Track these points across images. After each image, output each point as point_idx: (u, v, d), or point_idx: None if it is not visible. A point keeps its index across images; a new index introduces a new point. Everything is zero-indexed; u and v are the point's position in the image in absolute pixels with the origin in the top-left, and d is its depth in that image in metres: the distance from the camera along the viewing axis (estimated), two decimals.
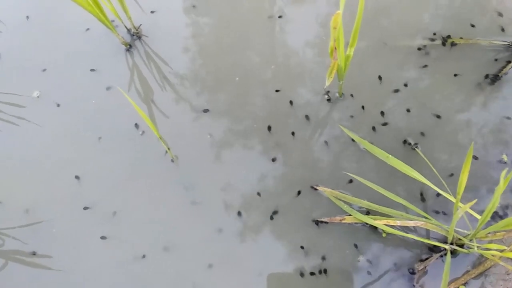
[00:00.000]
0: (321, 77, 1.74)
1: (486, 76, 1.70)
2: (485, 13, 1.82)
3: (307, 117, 1.69)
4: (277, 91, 1.73)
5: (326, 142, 1.65)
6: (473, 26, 1.78)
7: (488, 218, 1.17)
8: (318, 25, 1.84)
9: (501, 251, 1.24)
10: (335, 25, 1.09)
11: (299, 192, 1.59)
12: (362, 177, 1.52)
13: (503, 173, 1.02)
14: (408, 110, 1.67)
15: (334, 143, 1.65)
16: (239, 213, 1.56)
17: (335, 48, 1.28)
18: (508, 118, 1.64)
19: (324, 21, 1.84)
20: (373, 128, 1.66)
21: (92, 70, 1.79)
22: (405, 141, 1.63)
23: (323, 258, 1.51)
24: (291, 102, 1.71)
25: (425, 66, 1.74)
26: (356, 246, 1.52)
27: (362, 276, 1.50)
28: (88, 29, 1.84)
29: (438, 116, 1.66)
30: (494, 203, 1.09)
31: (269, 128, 1.68)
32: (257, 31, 1.84)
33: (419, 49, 1.76)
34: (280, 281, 1.50)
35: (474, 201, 1.13)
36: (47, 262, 1.55)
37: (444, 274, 1.24)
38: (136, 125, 1.69)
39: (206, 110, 1.71)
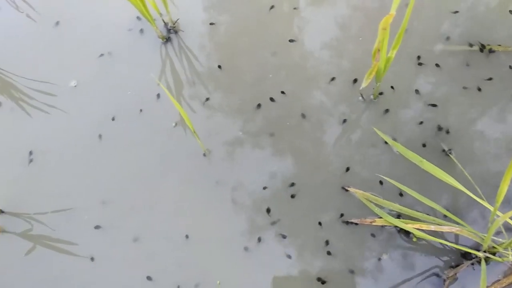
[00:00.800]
0: (344, 79, 1.74)
1: None
2: None
3: (343, 119, 1.69)
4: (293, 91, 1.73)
5: (357, 143, 1.65)
6: None
7: None
8: (337, 27, 1.83)
9: None
10: (385, 26, 1.09)
11: (343, 190, 1.59)
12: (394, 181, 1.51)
13: None
14: (443, 115, 1.66)
15: (366, 145, 1.65)
16: (268, 210, 1.57)
17: (379, 50, 1.27)
18: None
19: (342, 22, 1.83)
20: (407, 132, 1.65)
21: (128, 62, 1.82)
22: (443, 150, 1.62)
23: (350, 259, 1.51)
24: (321, 103, 1.71)
25: (460, 72, 1.72)
26: (384, 249, 1.52)
27: (391, 281, 1.49)
28: (130, 29, 1.86)
29: (473, 125, 1.64)
30: None
31: (298, 128, 1.68)
32: (275, 30, 1.85)
33: (454, 54, 1.75)
34: (302, 281, 1.50)
35: (510, 212, 1.12)
36: (74, 249, 1.58)
37: (481, 281, 1.24)
38: (175, 123, 1.71)
39: (243, 108, 1.72)
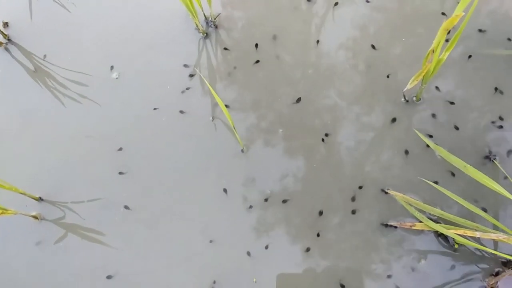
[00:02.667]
0: (376, 79, 1.72)
1: None
2: None
3: (384, 119, 1.66)
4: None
5: (399, 146, 1.63)
6: None
7: None
8: (354, 28, 1.80)
9: None
10: (448, 27, 1.06)
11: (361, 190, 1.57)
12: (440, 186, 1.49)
13: None
14: (492, 122, 1.63)
15: (408, 148, 1.63)
16: (322, 207, 1.56)
17: (433, 51, 1.25)
18: None
19: (360, 23, 1.81)
20: (452, 136, 1.62)
21: (168, 55, 1.82)
22: (486, 156, 1.59)
23: (388, 263, 1.49)
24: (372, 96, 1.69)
25: (501, 77, 1.69)
26: (422, 254, 1.49)
27: (428, 284, 1.47)
28: (172, 23, 1.85)
29: None
30: None
31: (339, 127, 1.67)
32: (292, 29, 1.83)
33: (501, 57, 1.72)
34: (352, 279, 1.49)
35: None
36: (103, 239, 1.59)
37: None
38: (212, 117, 1.71)
39: (280, 106, 1.71)
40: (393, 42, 1.77)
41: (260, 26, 1.85)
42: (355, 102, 1.70)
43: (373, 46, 1.77)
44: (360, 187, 1.58)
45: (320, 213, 1.56)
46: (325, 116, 1.69)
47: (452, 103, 1.66)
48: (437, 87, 1.68)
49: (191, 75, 1.77)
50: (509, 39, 1.74)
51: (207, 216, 1.58)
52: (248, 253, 1.53)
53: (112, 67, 1.80)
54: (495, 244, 1.51)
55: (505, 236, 1.34)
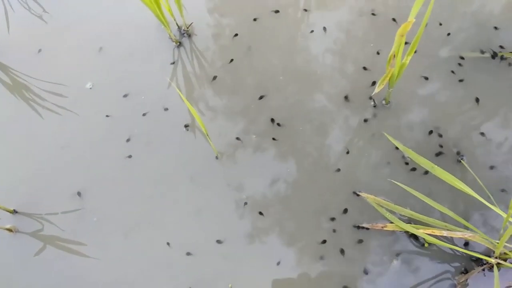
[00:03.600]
0: (343, 83, 1.75)
1: None
2: None
3: (352, 122, 1.70)
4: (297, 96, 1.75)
5: (369, 149, 1.66)
6: None
7: None
8: (341, 32, 1.84)
9: None
10: (403, 32, 1.10)
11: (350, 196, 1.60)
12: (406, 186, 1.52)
13: None
14: (453, 122, 1.67)
15: (378, 150, 1.66)
16: (297, 210, 1.58)
17: (394, 56, 1.29)
18: None
19: (345, 28, 1.85)
20: (418, 138, 1.66)
21: (142, 65, 1.84)
22: (458, 154, 1.63)
23: (361, 265, 1.52)
24: (345, 99, 1.72)
25: (471, 78, 1.73)
26: (395, 254, 1.52)
27: (401, 285, 1.50)
28: (145, 32, 1.88)
29: (483, 132, 1.65)
30: None
31: (311, 131, 1.69)
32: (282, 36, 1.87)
33: (468, 60, 1.76)
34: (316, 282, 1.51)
35: None
36: (83, 249, 1.59)
37: (495, 286, 1.24)
38: (186, 126, 1.73)
39: (255, 111, 1.73)
40: (363, 47, 1.82)
41: (234, 32, 1.88)
42: (325, 107, 1.73)
43: (344, 51, 1.81)
44: (334, 190, 1.61)
45: (295, 218, 1.59)
46: (297, 122, 1.71)
47: (419, 106, 1.70)
48: (404, 91, 1.72)
49: (165, 84, 1.79)
50: (493, 48, 1.79)
51: (183, 225, 1.59)
52: (225, 259, 1.54)
53: (86, 78, 1.82)
54: (466, 243, 1.54)
55: (471, 234, 1.37)
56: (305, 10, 1.90)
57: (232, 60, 1.83)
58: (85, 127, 1.74)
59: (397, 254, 1.52)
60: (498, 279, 1.28)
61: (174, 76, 1.81)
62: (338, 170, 1.63)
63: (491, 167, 1.60)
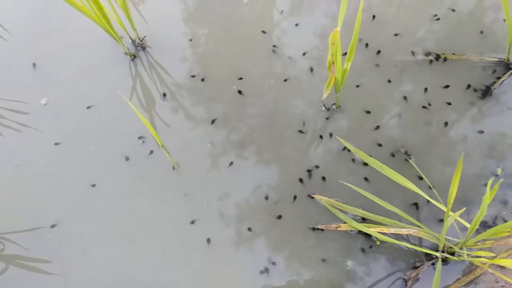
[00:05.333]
0: (318, 89, 1.80)
1: (478, 91, 1.77)
2: (476, 31, 1.89)
3: (304, 127, 1.75)
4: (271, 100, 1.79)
5: (322, 151, 1.71)
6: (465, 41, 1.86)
7: (477, 227, 1.23)
8: (316, 37, 1.90)
9: (490, 258, 1.29)
10: (333, 41, 1.15)
11: (295, 198, 1.64)
12: (358, 187, 1.57)
13: (489, 183, 1.08)
14: (402, 123, 1.74)
15: (331, 153, 1.71)
16: (245, 211, 1.61)
17: (333, 63, 1.34)
18: (501, 131, 1.70)
19: (321, 33, 1.91)
20: (369, 139, 1.72)
21: (97, 79, 1.85)
22: (406, 153, 1.69)
23: (317, 264, 1.55)
24: (288, 113, 1.77)
25: (416, 79, 1.80)
26: (350, 254, 1.56)
27: (355, 283, 1.54)
28: (99, 47, 1.90)
29: (429, 126, 1.72)
30: (482, 212, 1.14)
31: (266, 138, 1.73)
32: (256, 43, 1.91)
33: (412, 63, 1.84)
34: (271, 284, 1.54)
35: (463, 209, 1.19)
36: (47, 267, 1.58)
37: (434, 280, 1.29)
38: (140, 137, 1.75)
39: (211, 120, 1.77)
40: (317, 54, 1.87)
41: (189, 41, 1.91)
42: (278, 112, 1.77)
43: (303, 54, 1.86)
44: (288, 193, 1.65)
45: (249, 226, 1.62)
46: (252, 130, 1.75)
47: (368, 112, 1.76)
48: (352, 97, 1.78)
49: (119, 98, 1.80)
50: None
51: (143, 237, 1.61)
52: (188, 267, 1.56)
53: (41, 94, 1.82)
54: (420, 239, 1.59)
55: (415, 230, 1.43)
56: (264, 32, 1.94)
57: (190, 70, 1.86)
58: (39, 144, 1.75)
59: (351, 253, 1.57)
60: (440, 272, 1.33)
61: (128, 89, 1.83)
62: (292, 173, 1.67)
63: (440, 166, 1.66)
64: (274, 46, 1.89)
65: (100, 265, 1.57)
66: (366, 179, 1.66)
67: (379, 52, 1.86)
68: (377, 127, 1.73)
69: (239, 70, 1.86)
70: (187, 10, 2.00)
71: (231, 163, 1.70)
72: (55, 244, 1.61)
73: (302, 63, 1.86)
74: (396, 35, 1.89)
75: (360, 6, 1.22)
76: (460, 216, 1.48)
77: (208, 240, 1.59)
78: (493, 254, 1.24)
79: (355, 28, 1.24)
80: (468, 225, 1.41)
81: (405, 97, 1.77)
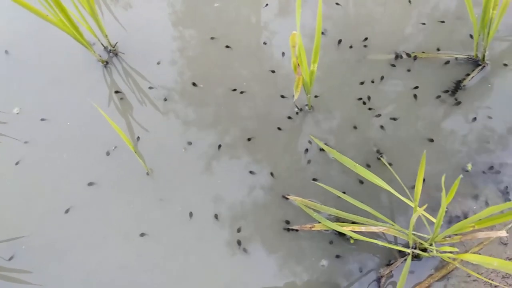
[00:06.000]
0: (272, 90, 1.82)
1: (449, 87, 1.80)
2: (445, 30, 1.92)
3: (279, 129, 1.76)
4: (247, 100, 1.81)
5: (297, 152, 1.72)
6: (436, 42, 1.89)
7: (441, 223, 1.24)
8: (304, 38, 1.92)
9: (456, 253, 1.31)
10: (293, 43, 1.16)
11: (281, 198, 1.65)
12: (332, 186, 1.58)
13: (443, 178, 1.11)
14: (375, 122, 1.76)
15: (305, 153, 1.72)
16: (215, 216, 1.62)
17: (298, 64, 1.35)
18: (472, 127, 1.72)
19: (309, 33, 1.93)
20: (342, 138, 1.74)
21: (69, 87, 1.85)
22: (378, 152, 1.71)
23: (292, 264, 1.56)
24: (265, 115, 1.78)
25: (388, 79, 1.83)
26: (324, 252, 1.58)
27: (331, 282, 1.55)
28: (70, 55, 1.90)
29: (402, 125, 1.74)
30: (443, 208, 1.16)
31: (241, 140, 1.74)
32: (232, 45, 1.92)
33: (382, 62, 1.86)
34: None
35: (425, 205, 1.20)
36: (27, 277, 1.58)
37: (401, 276, 1.31)
38: (114, 144, 1.75)
39: (186, 124, 1.77)
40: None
41: (160, 47, 1.92)
42: (254, 115, 1.79)
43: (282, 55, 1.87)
44: (263, 195, 1.66)
45: (223, 229, 1.63)
46: (225, 133, 1.76)
47: (342, 108, 1.78)
48: (325, 97, 1.80)
49: (90, 105, 1.80)
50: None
51: (119, 243, 1.61)
52: (164, 272, 1.56)
53: (13, 103, 1.82)
54: (396, 237, 1.60)
55: (385, 228, 1.44)
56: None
57: (164, 74, 1.87)
58: (11, 153, 1.74)
59: (326, 253, 1.58)
60: (408, 268, 1.35)
61: (101, 95, 1.83)
62: (266, 174, 1.69)
63: (414, 163, 1.68)
64: (265, 44, 1.90)
65: (78, 273, 1.57)
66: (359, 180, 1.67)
67: (351, 49, 1.88)
68: (352, 127, 1.75)
69: (214, 72, 1.87)
70: (159, 15, 2.01)
71: (206, 168, 1.70)
72: (32, 254, 1.60)
73: (279, 61, 1.88)
74: (366, 39, 1.91)
75: (319, 11, 1.24)
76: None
77: (184, 245, 1.59)
78: (457, 250, 1.26)
79: (316, 34, 1.25)
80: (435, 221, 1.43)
81: (371, 97, 1.79)
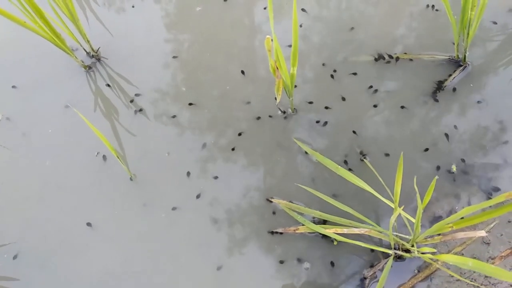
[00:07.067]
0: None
1: (430, 88, 1.81)
2: (427, 32, 1.93)
3: (264, 131, 1.76)
4: (246, 103, 1.81)
5: (280, 154, 1.72)
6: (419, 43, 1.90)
7: (420, 223, 1.25)
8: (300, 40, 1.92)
9: (433, 254, 1.31)
10: (268, 47, 1.17)
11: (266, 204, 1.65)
12: (316, 188, 1.58)
13: (414, 180, 1.11)
14: (359, 124, 1.76)
15: (288, 155, 1.73)
16: (202, 220, 1.62)
17: (277, 68, 1.36)
18: (456, 126, 1.72)
19: (305, 35, 1.93)
20: (325, 140, 1.74)
21: (52, 93, 1.85)
22: (361, 153, 1.71)
23: (276, 267, 1.56)
24: (258, 118, 1.79)
25: (370, 80, 1.83)
26: (308, 255, 1.58)
27: (314, 284, 1.55)
28: (52, 60, 1.90)
29: (386, 125, 1.75)
30: (420, 210, 1.17)
31: (225, 144, 1.74)
32: (216, 48, 1.93)
33: (364, 63, 1.87)
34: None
35: (402, 206, 1.21)
36: (15, 285, 1.57)
37: (381, 277, 1.32)
38: (97, 150, 1.74)
39: (171, 129, 1.77)
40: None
41: (142, 51, 1.92)
42: (236, 117, 1.79)
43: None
44: (248, 199, 1.66)
45: (207, 234, 1.62)
46: (210, 137, 1.76)
47: (324, 110, 1.78)
48: (308, 100, 1.80)
49: (68, 109, 1.80)
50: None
51: (102, 248, 1.60)
52: (149, 278, 1.56)
53: None
54: (380, 239, 1.60)
55: (367, 229, 1.45)
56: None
57: (146, 79, 1.87)
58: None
59: (310, 255, 1.58)
60: (388, 269, 1.36)
61: (84, 101, 1.83)
62: (250, 177, 1.69)
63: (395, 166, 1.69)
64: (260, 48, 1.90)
65: (60, 279, 1.56)
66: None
67: (333, 52, 1.88)
68: (335, 128, 1.75)
69: (198, 76, 1.87)
70: (142, 19, 2.01)
71: (188, 173, 1.70)
72: (16, 261, 1.59)
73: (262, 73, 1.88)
74: (348, 40, 1.92)
75: (294, 16, 1.24)
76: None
77: (168, 251, 1.59)
78: (435, 250, 1.26)
79: (293, 38, 1.26)
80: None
81: (353, 99, 1.80)
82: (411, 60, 1.86)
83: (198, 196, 1.66)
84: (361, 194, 1.63)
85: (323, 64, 1.88)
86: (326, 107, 1.79)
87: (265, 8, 2.02)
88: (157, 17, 2.03)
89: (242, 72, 1.87)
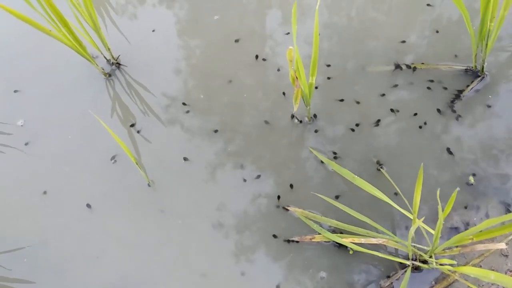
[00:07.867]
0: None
1: (448, 99, 1.80)
2: (445, 42, 1.94)
3: (280, 139, 1.77)
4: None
5: (297, 164, 1.73)
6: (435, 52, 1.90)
7: (439, 235, 1.25)
8: (309, 46, 1.93)
9: (453, 266, 1.31)
10: (290, 58, 1.18)
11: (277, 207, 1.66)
12: (331, 197, 1.59)
13: (438, 192, 1.11)
14: (374, 133, 1.76)
15: (304, 165, 1.73)
16: (217, 227, 1.63)
17: (296, 78, 1.37)
18: (474, 137, 1.72)
19: (322, 45, 1.95)
20: (342, 150, 1.74)
21: (72, 100, 1.88)
22: (378, 163, 1.71)
23: (292, 276, 1.57)
24: (266, 122, 1.80)
25: (388, 90, 1.84)
26: (324, 264, 1.58)
27: None
28: (74, 68, 1.93)
29: (403, 136, 1.75)
30: (440, 221, 1.17)
31: (242, 152, 1.76)
32: (230, 57, 1.95)
33: (381, 74, 1.87)
34: None
35: (423, 218, 1.21)
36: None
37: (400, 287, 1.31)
38: (113, 156, 1.77)
39: (188, 136, 1.79)
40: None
41: (161, 59, 1.95)
42: (252, 126, 1.80)
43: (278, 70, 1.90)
44: (265, 206, 1.67)
45: (226, 241, 1.63)
46: (228, 145, 1.78)
47: (342, 120, 1.79)
48: (325, 109, 1.81)
49: (88, 116, 1.83)
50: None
51: (119, 256, 1.62)
52: (167, 285, 1.57)
53: (18, 115, 1.85)
54: (396, 249, 1.60)
55: (384, 240, 1.44)
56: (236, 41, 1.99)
57: (166, 86, 1.89)
58: (14, 165, 1.76)
59: (326, 264, 1.58)
60: (407, 280, 1.35)
61: (104, 108, 1.86)
62: (267, 186, 1.69)
63: (413, 176, 1.69)
64: (263, 59, 1.92)
65: (77, 285, 1.58)
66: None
67: (351, 61, 1.89)
68: (351, 137, 1.76)
69: (217, 83, 1.89)
70: (161, 27, 2.04)
71: (208, 178, 1.72)
72: (34, 265, 1.61)
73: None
74: (366, 47, 1.93)
75: (316, 25, 1.25)
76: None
77: (184, 257, 1.60)
78: (455, 262, 1.26)
79: (313, 48, 1.27)
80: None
81: (370, 108, 1.80)
82: (428, 70, 1.86)
83: (215, 202, 1.67)
84: (375, 203, 1.62)
85: (340, 73, 1.88)
86: (342, 117, 1.80)
87: (281, 17, 2.04)
88: (173, 25, 2.05)
89: (259, 81, 1.89)
